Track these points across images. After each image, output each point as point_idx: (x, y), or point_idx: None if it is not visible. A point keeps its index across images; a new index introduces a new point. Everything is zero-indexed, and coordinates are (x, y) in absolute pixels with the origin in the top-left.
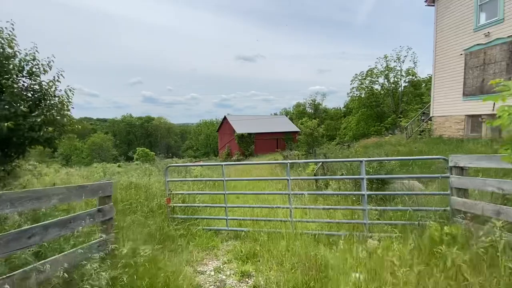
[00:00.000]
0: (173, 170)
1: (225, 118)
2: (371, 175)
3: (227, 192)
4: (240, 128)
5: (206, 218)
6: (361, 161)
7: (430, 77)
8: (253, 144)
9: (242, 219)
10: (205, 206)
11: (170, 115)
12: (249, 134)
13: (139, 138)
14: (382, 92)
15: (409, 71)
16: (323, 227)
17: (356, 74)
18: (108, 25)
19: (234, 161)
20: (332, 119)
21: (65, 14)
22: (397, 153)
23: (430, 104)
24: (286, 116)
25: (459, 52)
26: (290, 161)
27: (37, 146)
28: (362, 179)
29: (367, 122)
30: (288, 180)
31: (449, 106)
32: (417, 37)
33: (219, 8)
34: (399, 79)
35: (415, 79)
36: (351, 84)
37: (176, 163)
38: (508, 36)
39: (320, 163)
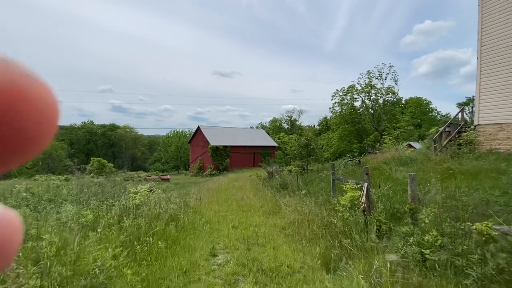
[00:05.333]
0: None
1: (198, 128)
2: None
3: None
4: (215, 140)
5: None
6: None
7: (400, 99)
8: (228, 158)
9: None
10: None
11: (140, 126)
12: (224, 147)
13: (100, 148)
14: (361, 109)
15: (389, 89)
16: None
17: (337, 90)
18: (76, 28)
19: (207, 176)
20: None
21: (30, 14)
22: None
23: (458, 114)
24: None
25: None
26: None
27: None
28: None
29: (346, 139)
30: None
31: (506, 111)
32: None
33: (196, 22)
34: (379, 97)
35: (395, 98)
36: (332, 99)
37: (139, 176)
38: None
39: (365, 190)
